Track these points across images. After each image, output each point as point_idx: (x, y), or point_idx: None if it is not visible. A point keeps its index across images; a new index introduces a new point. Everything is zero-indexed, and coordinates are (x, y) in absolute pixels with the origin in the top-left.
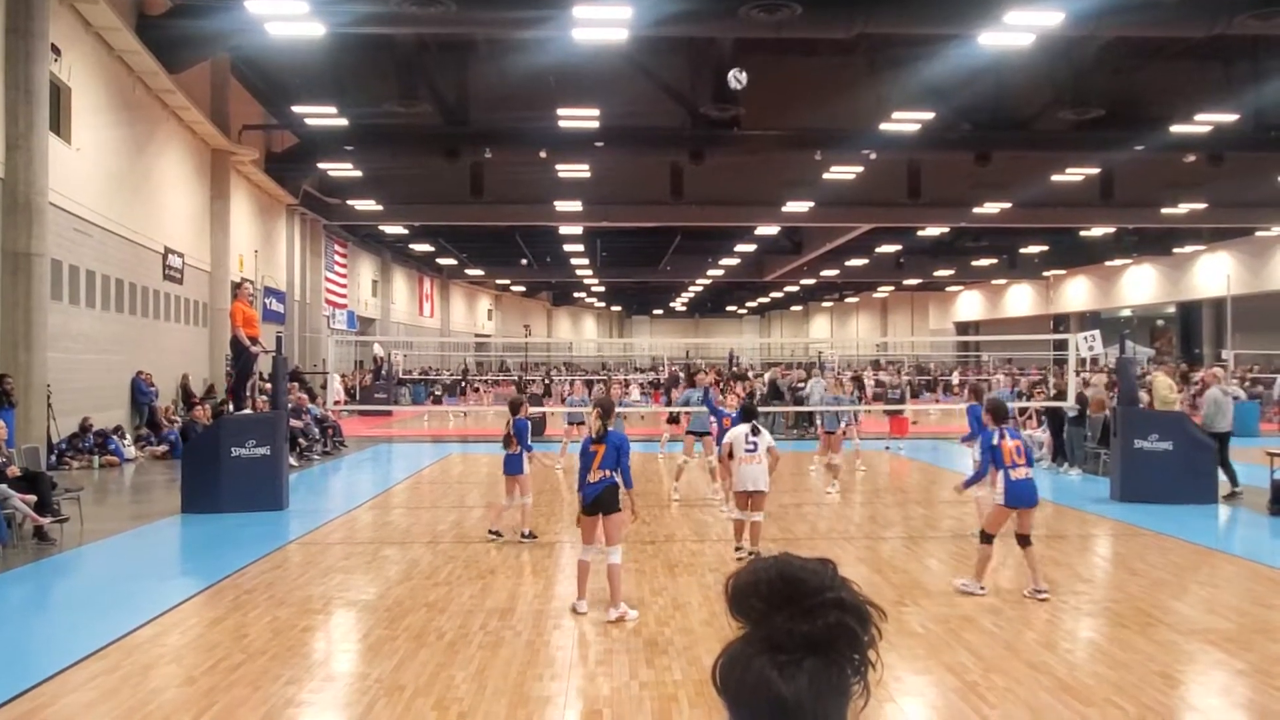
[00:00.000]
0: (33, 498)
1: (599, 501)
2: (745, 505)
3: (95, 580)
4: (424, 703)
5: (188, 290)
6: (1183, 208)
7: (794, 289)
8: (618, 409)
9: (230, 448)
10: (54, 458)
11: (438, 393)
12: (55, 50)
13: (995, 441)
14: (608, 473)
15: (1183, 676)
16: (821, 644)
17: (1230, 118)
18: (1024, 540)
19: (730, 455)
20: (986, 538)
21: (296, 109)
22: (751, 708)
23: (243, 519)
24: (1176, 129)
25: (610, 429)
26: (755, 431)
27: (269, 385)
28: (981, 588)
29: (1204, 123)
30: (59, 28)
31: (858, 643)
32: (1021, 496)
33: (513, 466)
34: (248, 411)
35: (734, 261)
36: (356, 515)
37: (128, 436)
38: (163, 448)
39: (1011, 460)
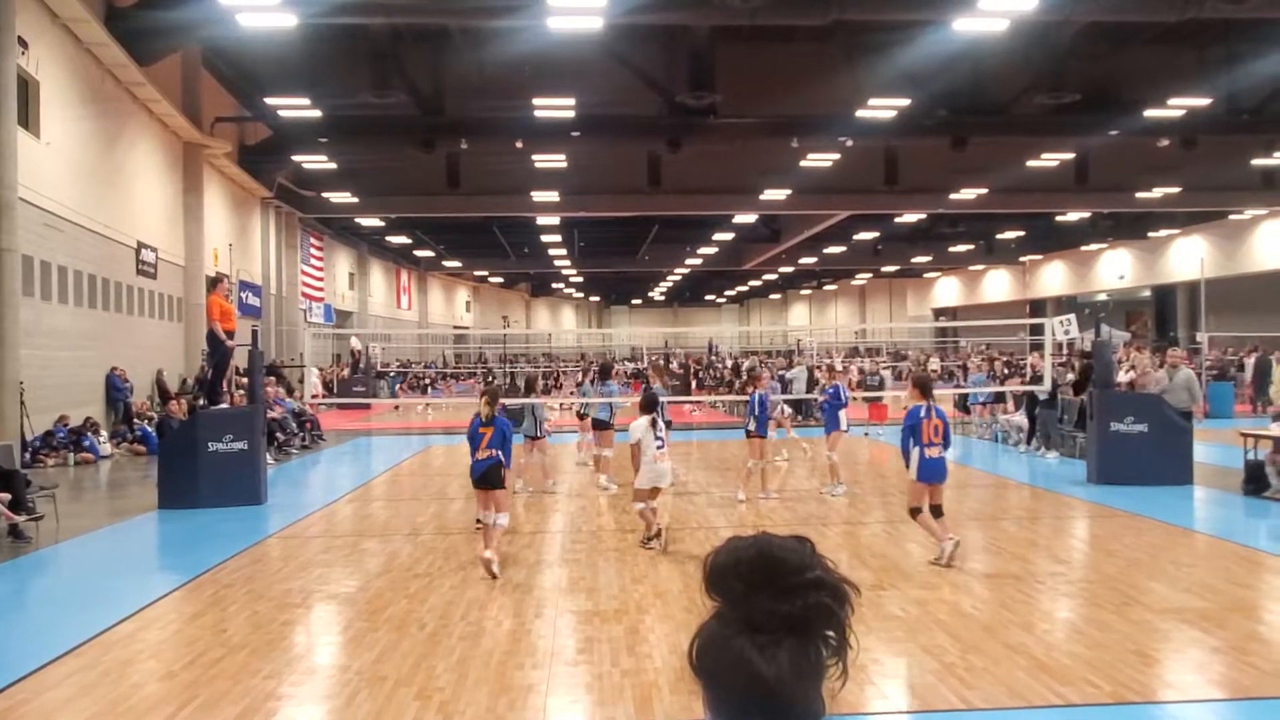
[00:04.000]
0: (7, 496)
1: (485, 477)
2: (650, 498)
3: (72, 577)
4: (406, 693)
5: (162, 285)
6: (1157, 192)
7: (772, 277)
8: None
9: (207, 443)
10: (28, 455)
11: (426, 383)
12: (22, 43)
13: (921, 417)
14: (494, 452)
15: (1158, 655)
16: (800, 624)
17: (1203, 102)
18: (936, 510)
19: (636, 450)
20: (913, 512)
21: (269, 101)
22: (729, 688)
23: (221, 514)
24: (1150, 113)
25: (497, 415)
26: (654, 424)
27: (245, 380)
28: (950, 538)
29: (1177, 107)
30: (25, 20)
31: (836, 622)
32: (932, 472)
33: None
34: (224, 406)
35: (712, 250)
36: (336, 509)
37: (103, 433)
38: (140, 447)
39: (929, 439)
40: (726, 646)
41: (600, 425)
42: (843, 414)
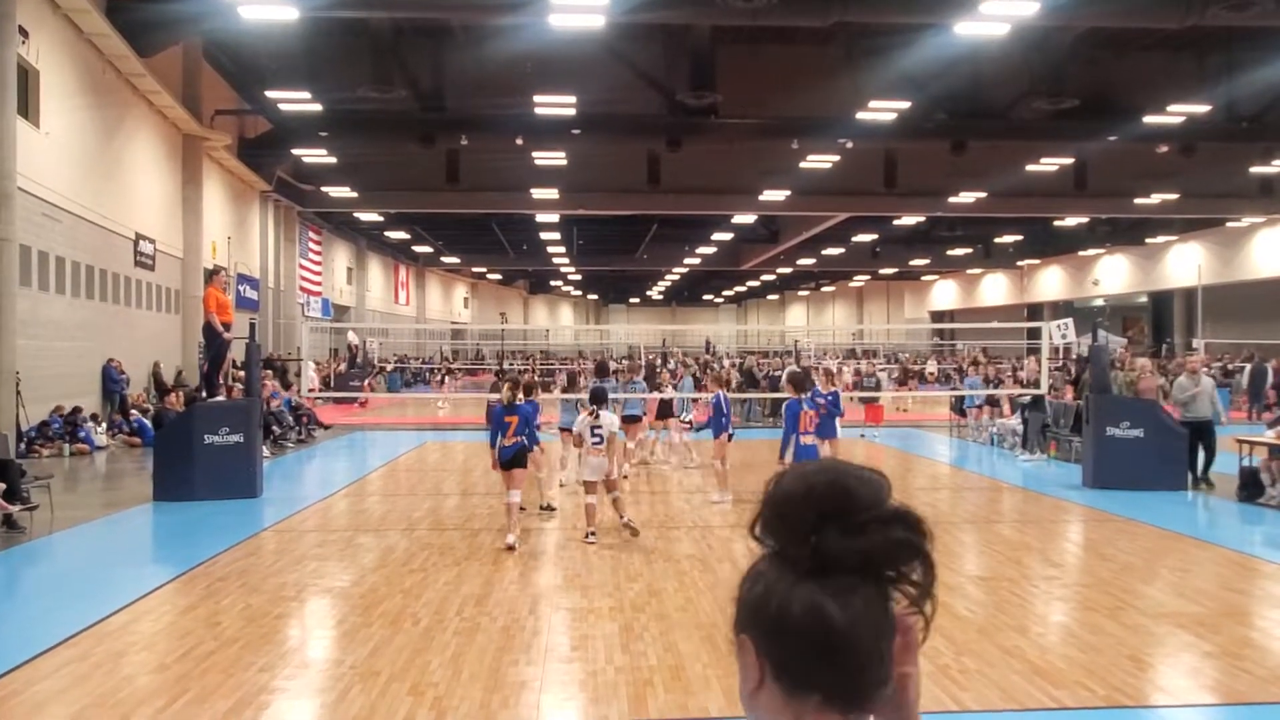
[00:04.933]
0: (1, 485)
1: (514, 460)
2: (594, 490)
3: (66, 568)
4: (399, 688)
5: (159, 277)
6: (1155, 198)
7: (770, 278)
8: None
9: (203, 435)
10: (23, 445)
11: (439, 378)
12: (23, 32)
13: (800, 409)
14: (520, 438)
15: (1152, 659)
16: (878, 564)
17: (1202, 109)
18: None
19: (579, 443)
20: None
21: (270, 94)
22: (792, 642)
23: (216, 506)
24: (1149, 120)
25: (520, 402)
26: (595, 416)
27: (242, 373)
28: None
29: (1177, 114)
30: (26, 9)
31: (920, 564)
32: (807, 457)
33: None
34: (221, 398)
35: (711, 250)
36: (331, 503)
37: (103, 424)
38: (136, 438)
39: (805, 428)
40: (792, 592)
41: (630, 420)
42: (837, 422)
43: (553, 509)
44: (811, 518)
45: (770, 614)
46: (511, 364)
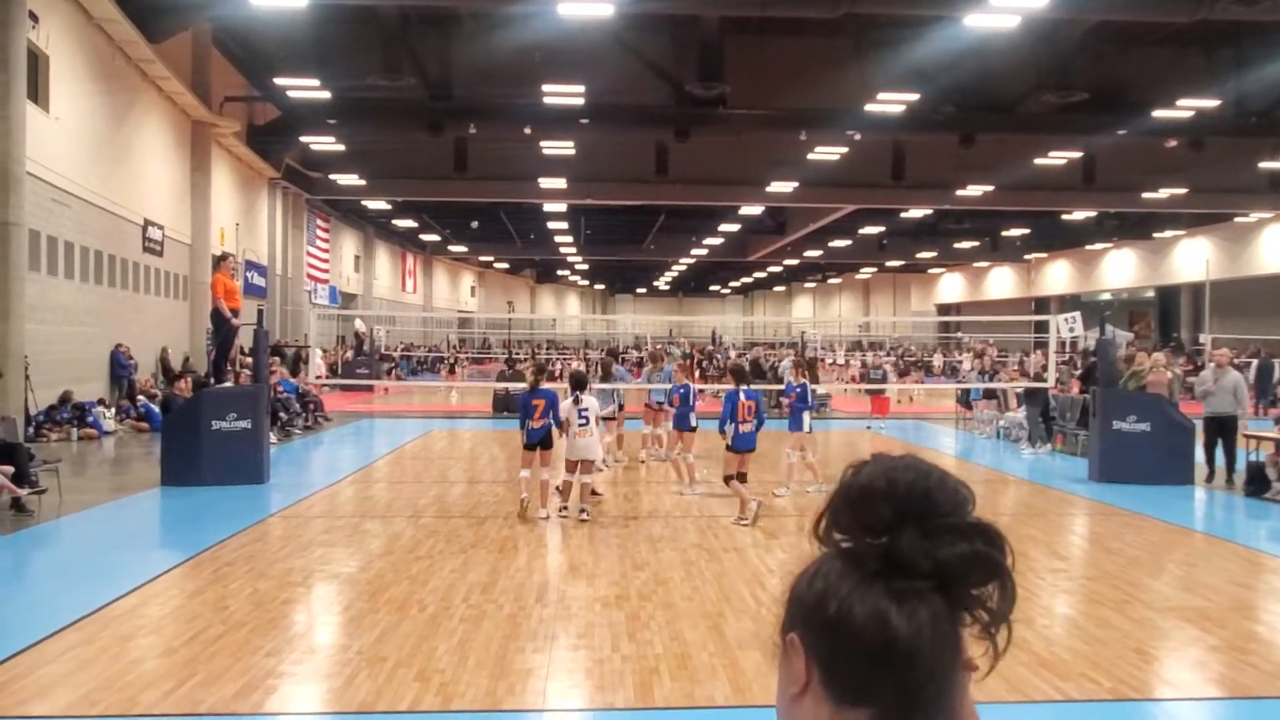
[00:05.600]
0: (10, 469)
1: (541, 441)
2: (574, 470)
3: (73, 552)
4: (406, 673)
5: (168, 263)
6: (1163, 192)
7: (777, 269)
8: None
9: (211, 421)
10: (31, 430)
11: (449, 365)
12: (33, 17)
13: (738, 399)
14: (547, 420)
15: (1157, 652)
16: (954, 576)
17: (1211, 103)
18: (742, 477)
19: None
20: (727, 479)
21: (279, 81)
22: (849, 648)
23: (223, 492)
24: (1158, 114)
25: (543, 387)
26: (578, 402)
27: (249, 359)
28: (743, 519)
29: (1185, 108)
30: None
31: (998, 583)
32: (743, 444)
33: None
34: (228, 385)
35: (718, 241)
36: (338, 489)
37: (111, 410)
38: (143, 424)
39: (743, 416)
40: (855, 593)
41: (657, 407)
42: (807, 415)
43: (597, 494)
44: (889, 515)
45: (829, 615)
46: (517, 353)
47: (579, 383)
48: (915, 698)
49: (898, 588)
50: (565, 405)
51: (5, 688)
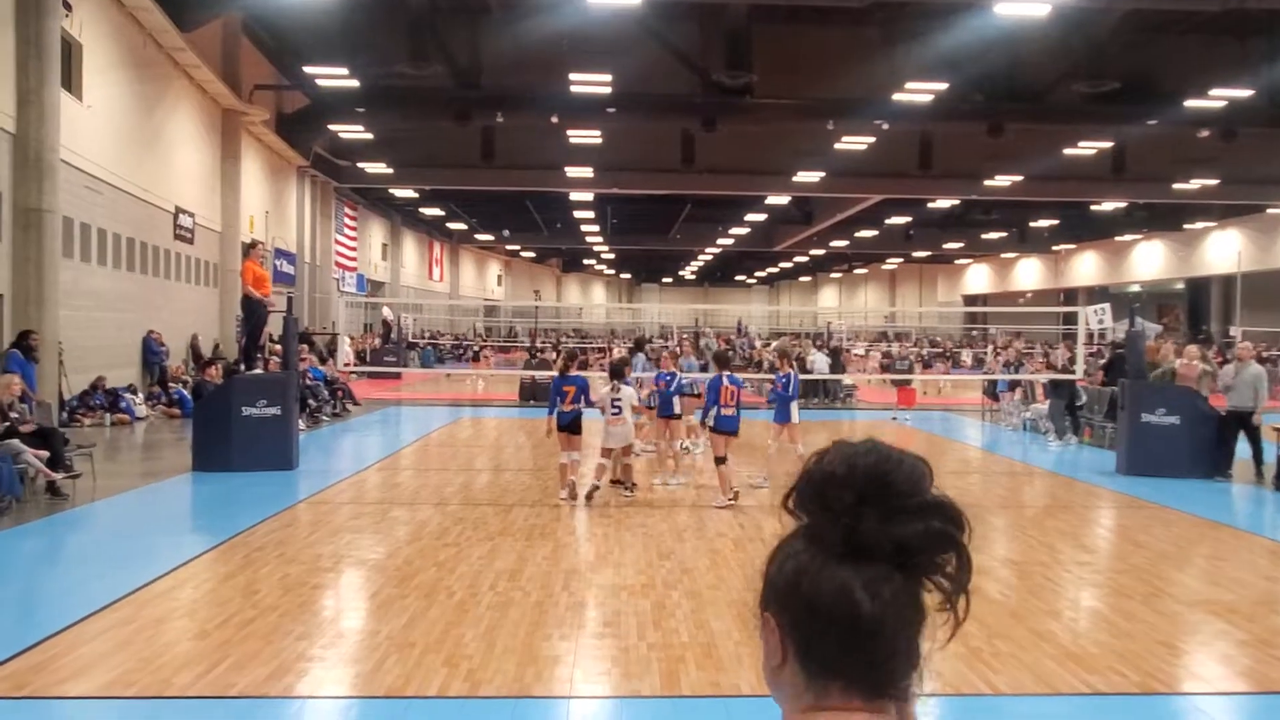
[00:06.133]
0: (45, 453)
1: (572, 425)
2: (608, 455)
3: (107, 535)
4: (434, 659)
5: (198, 250)
6: (1194, 183)
7: (803, 259)
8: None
9: (241, 407)
10: (65, 415)
11: (474, 353)
12: (66, 5)
13: (721, 384)
14: (578, 405)
15: (1185, 646)
16: (913, 553)
17: (1244, 93)
18: (721, 460)
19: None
20: (718, 460)
21: (308, 69)
22: (819, 626)
23: (253, 478)
24: (1190, 104)
25: (574, 374)
26: (616, 390)
27: (279, 346)
28: (732, 498)
29: (1218, 98)
30: None
31: (955, 557)
32: (725, 426)
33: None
34: (258, 371)
35: (744, 231)
36: (365, 476)
37: (139, 394)
38: (175, 409)
39: (725, 401)
40: (822, 575)
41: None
42: (794, 406)
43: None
44: (850, 499)
45: (800, 595)
46: (544, 342)
47: (616, 371)
48: (882, 667)
49: (861, 568)
50: (603, 392)
51: (44, 667)
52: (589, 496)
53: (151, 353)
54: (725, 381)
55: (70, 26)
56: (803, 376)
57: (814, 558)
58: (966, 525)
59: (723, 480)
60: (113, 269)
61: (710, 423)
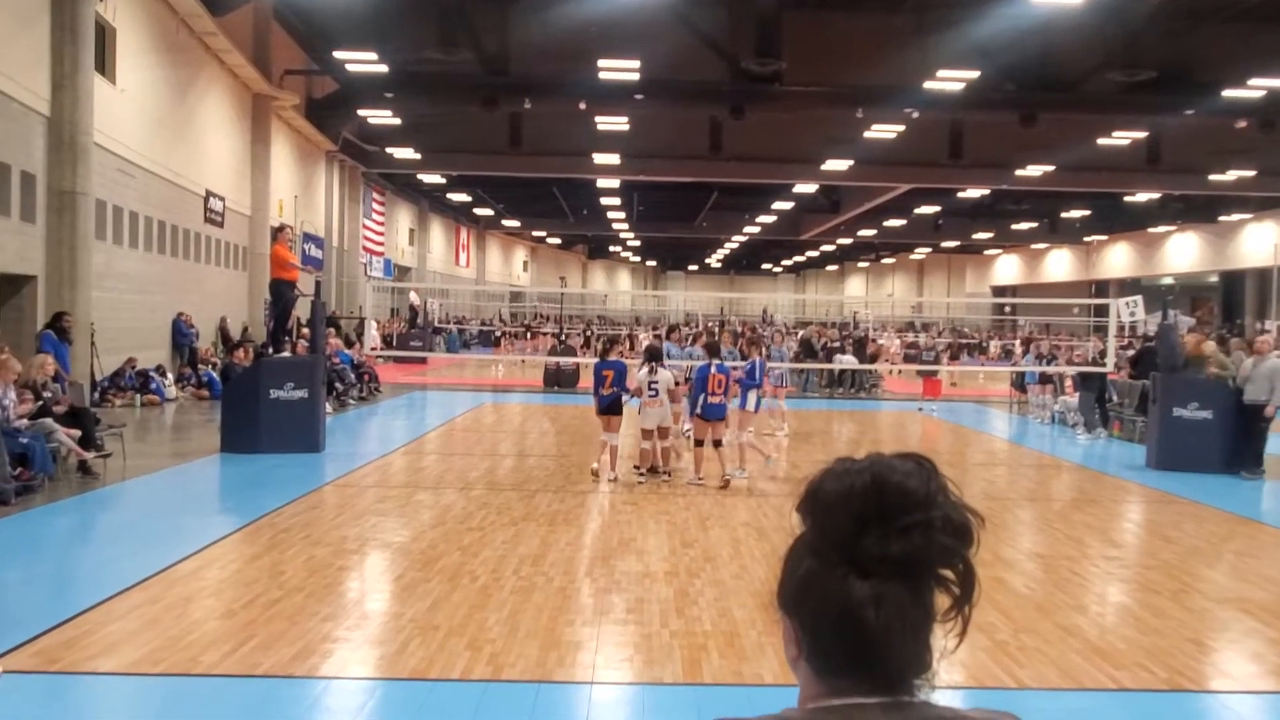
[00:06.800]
0: (77, 432)
1: (611, 407)
2: (650, 437)
3: (137, 514)
4: (457, 642)
5: (228, 234)
6: (1231, 174)
7: (830, 248)
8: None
9: (269, 389)
10: (97, 395)
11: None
12: None
13: (709, 372)
14: (616, 389)
15: (1215, 643)
16: (916, 567)
17: None
18: (717, 443)
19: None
20: (697, 443)
21: (337, 54)
22: (831, 638)
23: (280, 460)
24: (1228, 93)
25: (614, 359)
26: (653, 373)
27: (306, 330)
28: (700, 478)
29: (1257, 87)
30: None
31: (958, 566)
32: (711, 413)
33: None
34: (286, 354)
35: (771, 219)
36: (390, 460)
37: (169, 376)
38: (204, 391)
39: (713, 388)
40: (830, 590)
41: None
42: (753, 394)
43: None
44: (850, 525)
45: (809, 606)
46: (569, 328)
47: (653, 355)
48: (892, 671)
49: (867, 583)
50: (640, 375)
51: (75, 643)
52: (654, 471)
53: (181, 335)
54: (714, 370)
55: (104, 11)
56: (829, 365)
57: (821, 568)
58: (973, 534)
59: (698, 463)
60: (144, 251)
61: (699, 410)
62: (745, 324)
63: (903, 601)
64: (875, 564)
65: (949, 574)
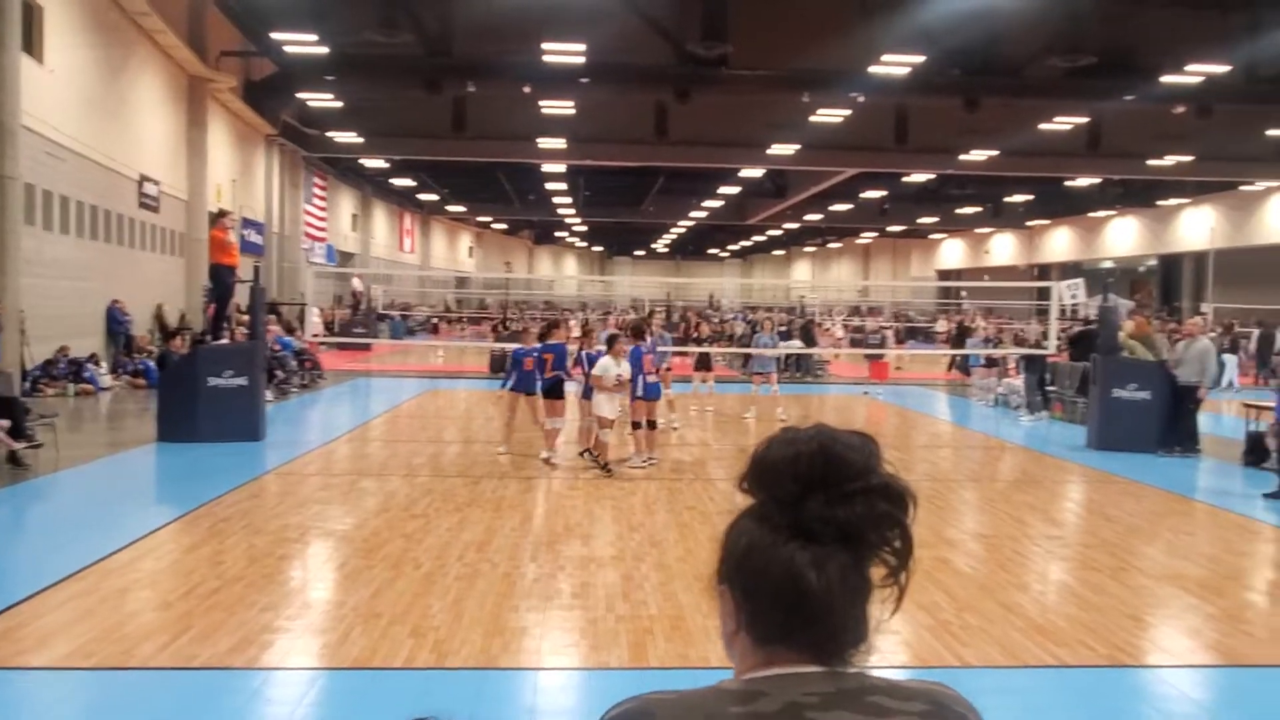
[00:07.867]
0: (7, 423)
1: (552, 391)
2: (609, 425)
3: (70, 505)
4: (400, 630)
5: (164, 219)
6: (1169, 160)
7: (777, 233)
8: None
9: (207, 377)
10: (28, 384)
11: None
12: None
13: (643, 353)
14: (558, 372)
15: (1153, 619)
16: (857, 533)
17: (1222, 69)
18: (652, 425)
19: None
20: (635, 425)
21: (275, 36)
22: (773, 602)
23: (219, 449)
24: (1167, 79)
25: (552, 342)
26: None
27: (246, 316)
28: (652, 460)
29: (1195, 73)
30: None
31: (897, 535)
32: (651, 393)
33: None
34: (225, 341)
35: (717, 204)
36: (334, 447)
37: (103, 364)
38: (140, 380)
39: (648, 369)
40: (773, 555)
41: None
42: (640, 379)
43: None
44: (795, 488)
45: (750, 571)
46: (518, 314)
47: (609, 342)
48: (830, 638)
49: (808, 547)
50: (603, 361)
51: (6, 636)
52: (606, 468)
53: (116, 322)
54: (645, 350)
55: None
56: (782, 350)
57: (764, 535)
58: (910, 504)
59: (638, 443)
60: (76, 237)
61: (638, 391)
62: (692, 311)
63: (844, 566)
64: (819, 526)
65: (889, 540)
